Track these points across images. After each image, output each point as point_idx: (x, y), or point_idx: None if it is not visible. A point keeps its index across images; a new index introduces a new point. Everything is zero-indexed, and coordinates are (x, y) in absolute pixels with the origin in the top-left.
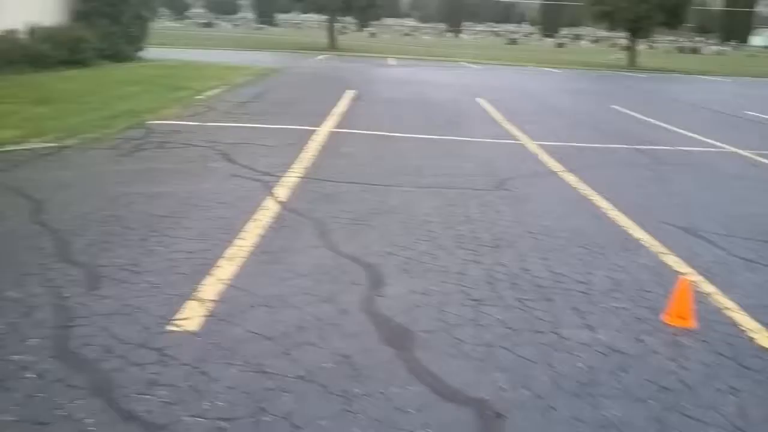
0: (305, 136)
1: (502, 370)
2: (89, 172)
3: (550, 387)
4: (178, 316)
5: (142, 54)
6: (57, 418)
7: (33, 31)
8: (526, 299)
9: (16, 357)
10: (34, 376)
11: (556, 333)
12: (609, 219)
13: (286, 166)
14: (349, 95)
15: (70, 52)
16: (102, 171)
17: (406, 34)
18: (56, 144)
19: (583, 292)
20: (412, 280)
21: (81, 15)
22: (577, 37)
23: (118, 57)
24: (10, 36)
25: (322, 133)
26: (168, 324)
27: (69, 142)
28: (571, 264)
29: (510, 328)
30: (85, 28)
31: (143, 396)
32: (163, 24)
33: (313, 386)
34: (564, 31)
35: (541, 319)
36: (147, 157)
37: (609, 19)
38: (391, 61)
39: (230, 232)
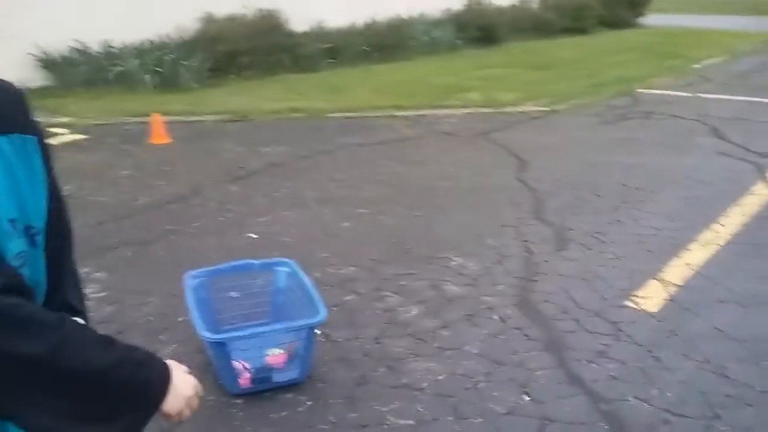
0: None
1: None
2: (571, 137)
3: None
4: (637, 293)
5: (641, 20)
6: (511, 362)
7: (544, 1)
8: None
9: (486, 298)
10: (498, 318)
11: None
12: None
13: None
14: None
15: (572, 19)
16: (583, 137)
17: None
18: (546, 108)
19: None
20: None
21: None
22: None
23: (617, 24)
24: (523, 6)
25: None
26: (626, 299)
27: (557, 107)
28: None
29: None
30: None
31: (592, 364)
32: None
33: None
34: None
35: None
36: (629, 127)
37: None
38: None
39: (708, 214)
